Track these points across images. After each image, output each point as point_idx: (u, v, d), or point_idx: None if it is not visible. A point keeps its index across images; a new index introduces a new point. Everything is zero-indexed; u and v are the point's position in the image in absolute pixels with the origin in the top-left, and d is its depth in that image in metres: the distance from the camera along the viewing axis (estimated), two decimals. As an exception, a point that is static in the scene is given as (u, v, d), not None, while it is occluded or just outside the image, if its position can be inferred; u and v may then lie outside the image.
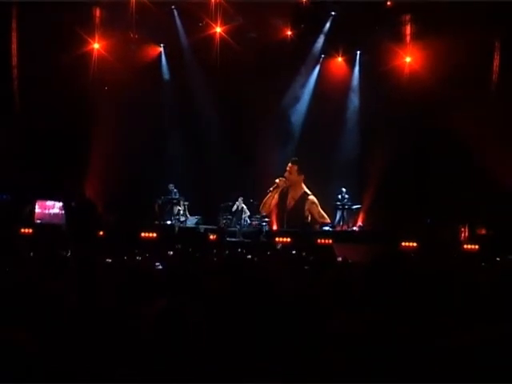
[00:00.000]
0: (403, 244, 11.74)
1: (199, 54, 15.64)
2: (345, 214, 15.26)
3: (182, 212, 15.28)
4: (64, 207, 13.31)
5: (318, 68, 16.44)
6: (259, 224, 14.91)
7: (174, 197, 15.29)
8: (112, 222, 12.83)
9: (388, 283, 2.73)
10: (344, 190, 15.31)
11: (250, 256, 7.02)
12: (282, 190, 14.86)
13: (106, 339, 2.64)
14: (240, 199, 15.24)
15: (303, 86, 16.41)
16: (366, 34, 15.15)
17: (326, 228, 14.76)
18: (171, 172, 15.64)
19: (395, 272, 2.80)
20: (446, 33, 13.41)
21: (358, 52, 16.10)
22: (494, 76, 14.22)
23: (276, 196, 14.87)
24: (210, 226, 14.29)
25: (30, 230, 11.47)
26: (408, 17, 15.15)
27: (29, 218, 12.79)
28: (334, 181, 15.59)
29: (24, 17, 13.39)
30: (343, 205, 15.22)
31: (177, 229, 14.27)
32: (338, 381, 2.17)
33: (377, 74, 15.52)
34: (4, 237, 9.41)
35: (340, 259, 7.03)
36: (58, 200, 13.55)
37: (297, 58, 16.10)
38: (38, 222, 13.03)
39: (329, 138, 15.75)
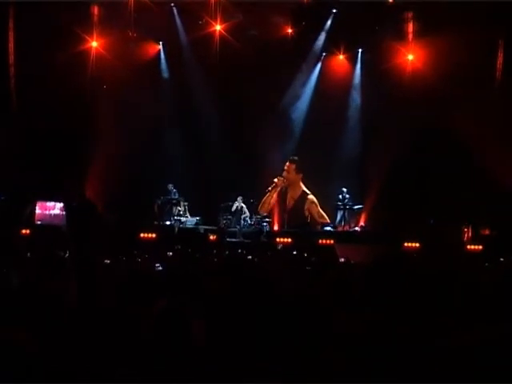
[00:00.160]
0: (406, 244, 11.70)
1: (199, 52, 15.53)
2: (346, 214, 15.19)
3: (181, 212, 15.23)
4: (65, 208, 13.29)
5: (319, 66, 16.36)
6: (260, 224, 14.84)
7: (173, 197, 15.22)
8: (112, 223, 12.78)
9: (390, 283, 2.73)
10: (345, 189, 15.25)
11: (250, 256, 7.01)
12: (281, 189, 14.74)
13: (105, 339, 2.64)
14: (239, 198, 15.14)
15: (304, 84, 16.33)
16: (368, 31, 15.06)
17: (328, 228, 14.69)
18: (171, 172, 15.55)
19: (398, 272, 2.80)
20: (448, 30, 13.33)
21: (360, 50, 16.03)
22: (498, 74, 14.17)
23: (275, 195, 14.74)
24: (209, 227, 14.23)
25: (28, 231, 11.44)
26: (410, 14, 15.07)
27: (29, 218, 12.76)
28: (334, 180, 15.52)
29: (21, 15, 13.34)
30: (344, 205, 15.16)
31: (176, 229, 14.20)
32: (338, 381, 2.17)
33: (379, 72, 15.44)
34: (4, 237, 9.41)
35: (343, 260, 7.00)
36: (59, 201, 13.52)
37: (298, 55, 16.01)
38: (39, 223, 13.00)
39: (330, 136, 15.67)
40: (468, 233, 13.31)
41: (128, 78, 14.37)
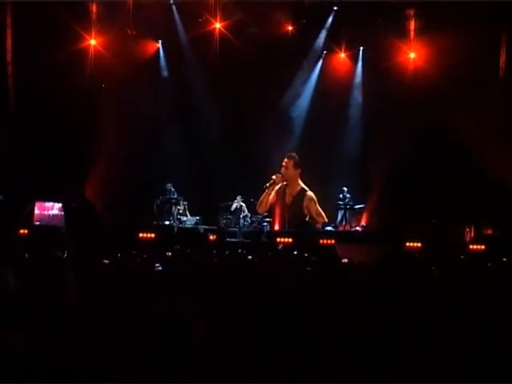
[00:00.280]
0: (407, 244, 11.68)
1: (198, 50, 15.46)
2: (347, 213, 15.14)
3: (181, 212, 15.18)
4: (63, 208, 13.26)
5: (319, 64, 16.30)
6: (260, 224, 14.79)
7: (172, 196, 15.14)
8: (112, 223, 12.73)
9: (394, 284, 2.72)
10: (345, 189, 15.19)
11: (250, 257, 6.99)
12: (280, 187, 14.69)
13: (105, 339, 2.64)
14: (238, 197, 15.06)
15: (305, 82, 16.28)
16: (369, 29, 15.03)
17: (329, 228, 14.64)
18: (170, 171, 15.45)
19: (401, 273, 2.79)
20: (450, 29, 13.27)
21: (361, 48, 15.96)
22: (500, 73, 14.13)
23: (273, 193, 14.69)
24: (209, 227, 14.18)
25: (26, 231, 11.41)
26: (412, 12, 14.97)
27: (27, 218, 12.72)
28: (335, 180, 15.45)
29: (19, 13, 13.29)
30: (345, 204, 15.11)
31: (176, 229, 14.14)
32: (338, 381, 2.17)
33: (380, 71, 15.37)
34: (3, 237, 9.39)
35: (346, 260, 6.96)
36: (58, 201, 13.48)
37: (298, 53, 15.93)
38: (37, 223, 12.96)
39: (331, 135, 15.61)
40: (470, 232, 13.28)
41: (127, 76, 14.32)
